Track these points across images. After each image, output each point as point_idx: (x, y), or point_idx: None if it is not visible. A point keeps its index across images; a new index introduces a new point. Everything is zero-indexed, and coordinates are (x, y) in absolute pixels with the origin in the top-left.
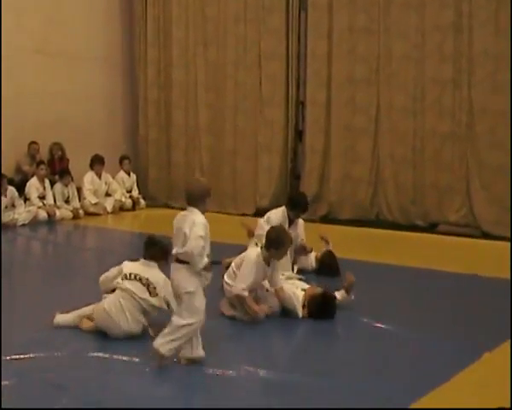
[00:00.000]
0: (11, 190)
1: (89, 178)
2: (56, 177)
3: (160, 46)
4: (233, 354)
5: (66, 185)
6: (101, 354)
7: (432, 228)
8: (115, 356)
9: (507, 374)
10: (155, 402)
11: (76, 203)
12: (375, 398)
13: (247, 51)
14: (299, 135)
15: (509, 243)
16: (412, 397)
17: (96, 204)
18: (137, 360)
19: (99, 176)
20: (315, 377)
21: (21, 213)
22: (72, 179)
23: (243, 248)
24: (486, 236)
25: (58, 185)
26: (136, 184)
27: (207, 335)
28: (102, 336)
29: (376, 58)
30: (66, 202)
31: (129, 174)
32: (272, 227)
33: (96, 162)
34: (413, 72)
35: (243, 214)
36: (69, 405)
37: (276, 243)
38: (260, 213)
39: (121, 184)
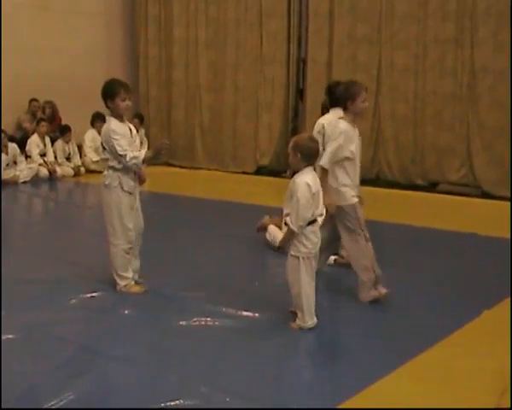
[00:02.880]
0: (13, 146)
1: (89, 136)
2: (57, 134)
3: (161, 2)
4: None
5: (67, 142)
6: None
7: (432, 187)
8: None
9: (506, 331)
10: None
11: (77, 161)
12: (379, 351)
13: (248, 9)
14: (300, 93)
15: (508, 203)
16: (410, 355)
17: (97, 161)
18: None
19: (100, 133)
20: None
21: (23, 170)
22: (71, 138)
23: (246, 206)
24: (486, 195)
25: (59, 142)
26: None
27: None
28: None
29: (378, 17)
30: (68, 159)
31: (137, 131)
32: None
33: (98, 120)
34: (415, 30)
35: (243, 172)
36: (71, 356)
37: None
38: (261, 171)
39: None
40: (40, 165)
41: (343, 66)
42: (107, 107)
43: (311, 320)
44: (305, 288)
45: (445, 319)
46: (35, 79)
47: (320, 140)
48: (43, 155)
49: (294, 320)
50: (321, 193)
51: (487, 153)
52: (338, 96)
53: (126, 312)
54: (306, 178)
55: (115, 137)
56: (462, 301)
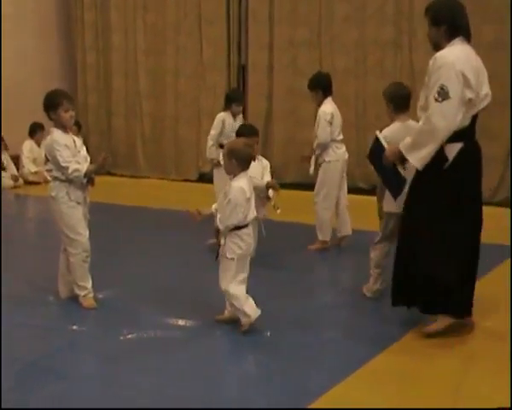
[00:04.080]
0: None
1: (27, 147)
2: None
3: (98, 9)
4: None
5: None
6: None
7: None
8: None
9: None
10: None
11: (13, 170)
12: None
13: (187, 15)
14: None
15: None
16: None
17: (35, 173)
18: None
19: (38, 144)
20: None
21: None
22: (7, 147)
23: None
24: None
25: None
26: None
27: None
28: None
29: (318, 21)
30: (3, 169)
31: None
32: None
33: (36, 130)
34: (355, 34)
35: (186, 180)
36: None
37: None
38: (203, 178)
39: None
40: None
41: (284, 70)
42: (50, 118)
43: (254, 312)
44: (237, 286)
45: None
46: None
47: (328, 130)
48: None
49: (241, 324)
50: (253, 197)
51: None
52: None
53: (74, 327)
54: (241, 183)
55: (58, 148)
56: None
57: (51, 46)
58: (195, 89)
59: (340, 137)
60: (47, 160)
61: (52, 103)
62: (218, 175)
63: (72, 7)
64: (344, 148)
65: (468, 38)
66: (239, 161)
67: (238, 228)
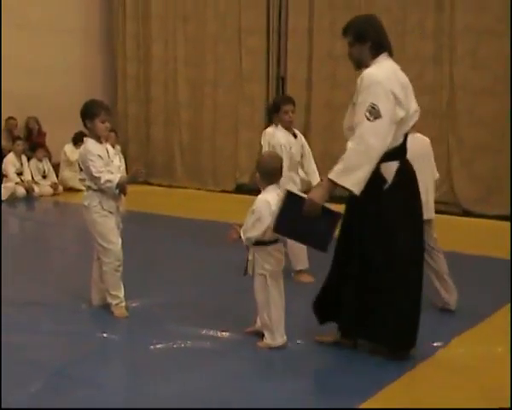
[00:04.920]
0: None
1: (68, 149)
2: (28, 152)
3: (139, 19)
4: None
5: (40, 160)
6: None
7: None
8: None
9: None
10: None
11: (53, 178)
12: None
13: (226, 26)
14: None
15: (489, 221)
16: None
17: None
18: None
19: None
20: None
21: None
22: (50, 155)
23: (225, 225)
24: (467, 213)
25: (33, 161)
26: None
27: None
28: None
29: None
30: (44, 177)
31: (113, 147)
32: None
33: (80, 139)
34: (394, 48)
35: (223, 191)
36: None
37: None
38: (240, 189)
39: None
40: (17, 184)
41: (322, 83)
42: (86, 127)
43: (281, 338)
44: (273, 306)
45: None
46: (11, 98)
47: None
48: (19, 173)
49: (262, 339)
50: None
51: (466, 170)
52: None
53: (104, 335)
54: (267, 196)
55: (91, 158)
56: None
57: (94, 57)
58: (234, 100)
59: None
60: (80, 169)
61: (90, 113)
62: None
63: (114, 18)
64: None
65: (391, 53)
66: (262, 175)
67: (265, 243)
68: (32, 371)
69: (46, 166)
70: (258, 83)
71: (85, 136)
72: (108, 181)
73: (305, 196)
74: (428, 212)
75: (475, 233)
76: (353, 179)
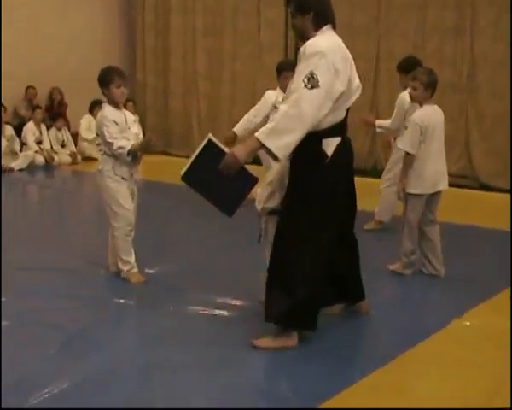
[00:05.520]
0: (9, 128)
1: (86, 122)
2: (48, 121)
3: None
4: None
5: (60, 129)
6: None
7: None
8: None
9: (503, 321)
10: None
11: (72, 147)
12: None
13: None
14: None
15: (507, 195)
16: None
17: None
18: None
19: None
20: None
21: (18, 158)
22: (69, 125)
23: None
24: (484, 187)
25: (52, 130)
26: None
27: None
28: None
29: (377, 6)
30: (63, 146)
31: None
32: None
33: (95, 107)
34: (414, 19)
35: None
36: (64, 343)
37: None
38: (258, 160)
39: None
40: (36, 152)
41: None
42: (103, 94)
43: None
44: None
45: (442, 310)
46: (31, 67)
47: (401, 117)
48: (39, 142)
49: None
50: None
51: (485, 143)
52: None
53: (122, 301)
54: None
55: (106, 123)
56: (459, 292)
57: (113, 27)
58: (252, 71)
59: None
60: (97, 134)
61: (104, 79)
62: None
63: None
64: None
65: (334, 25)
66: None
67: (277, 213)
68: (48, 333)
69: (65, 135)
70: (277, 54)
71: (101, 103)
72: (121, 147)
73: (226, 149)
74: (445, 182)
75: (493, 207)
76: (280, 143)
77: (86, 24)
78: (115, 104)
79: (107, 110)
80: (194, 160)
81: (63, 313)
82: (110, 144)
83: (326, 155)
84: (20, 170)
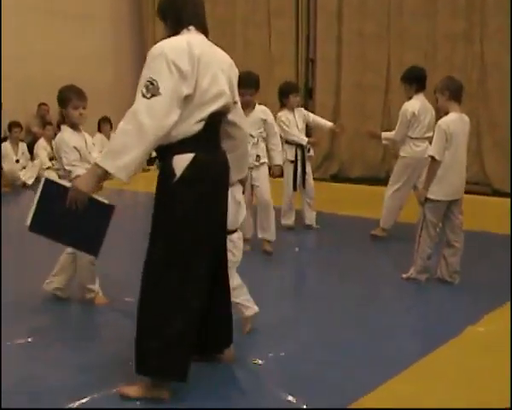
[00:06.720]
0: (23, 145)
1: (98, 140)
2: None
3: None
4: None
5: None
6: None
7: None
8: None
9: None
10: None
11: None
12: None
13: (256, 8)
14: (309, 93)
15: None
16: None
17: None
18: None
19: (108, 137)
20: None
21: (27, 171)
22: None
23: None
24: (497, 193)
25: None
26: None
27: None
28: None
29: (387, 14)
30: None
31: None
32: None
33: (104, 124)
34: (425, 27)
35: None
36: None
37: None
38: None
39: None
40: (48, 168)
41: (352, 64)
42: (62, 115)
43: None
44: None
45: (456, 315)
46: (44, 84)
47: (404, 128)
48: (51, 158)
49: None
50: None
51: (498, 149)
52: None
53: None
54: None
55: (65, 149)
56: (474, 298)
57: (123, 42)
58: (263, 82)
59: (426, 134)
60: (54, 158)
61: (61, 100)
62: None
63: (143, 3)
64: (425, 145)
65: (201, 28)
66: None
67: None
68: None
69: None
70: (288, 65)
71: (108, 120)
72: (78, 176)
73: (68, 184)
74: (463, 189)
75: (506, 213)
76: (119, 163)
77: (97, 41)
78: (74, 126)
79: (67, 134)
80: (37, 205)
81: None
82: (68, 172)
83: (174, 173)
84: (31, 185)
